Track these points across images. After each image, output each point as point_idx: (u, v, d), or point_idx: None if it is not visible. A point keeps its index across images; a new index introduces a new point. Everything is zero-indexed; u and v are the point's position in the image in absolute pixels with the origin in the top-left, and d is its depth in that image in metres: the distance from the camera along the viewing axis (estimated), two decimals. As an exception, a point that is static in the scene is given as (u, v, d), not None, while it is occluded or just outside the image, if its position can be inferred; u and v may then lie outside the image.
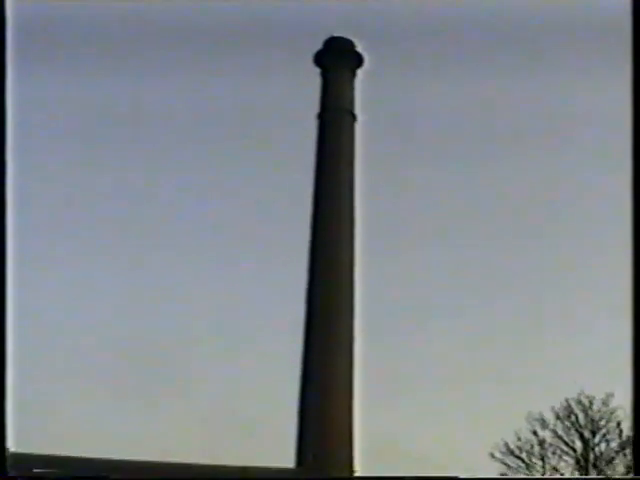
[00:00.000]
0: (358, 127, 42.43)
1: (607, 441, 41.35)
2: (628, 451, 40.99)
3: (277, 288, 60.64)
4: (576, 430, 41.46)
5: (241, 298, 67.21)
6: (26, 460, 43.04)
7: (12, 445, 42.97)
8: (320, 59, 41.53)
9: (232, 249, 68.08)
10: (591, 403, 41.45)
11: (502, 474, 41.78)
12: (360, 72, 41.73)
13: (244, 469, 44.47)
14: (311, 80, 41.18)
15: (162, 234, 68.88)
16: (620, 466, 41.27)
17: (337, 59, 41.04)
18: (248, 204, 63.63)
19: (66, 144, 65.90)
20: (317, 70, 41.87)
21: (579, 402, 41.58)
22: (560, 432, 41.66)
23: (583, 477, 35.94)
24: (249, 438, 51.53)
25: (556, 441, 41.65)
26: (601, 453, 41.29)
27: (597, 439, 41.34)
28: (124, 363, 61.38)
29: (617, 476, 37.82)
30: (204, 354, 66.62)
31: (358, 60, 41.26)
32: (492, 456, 41.76)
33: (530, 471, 41.70)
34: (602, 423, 41.30)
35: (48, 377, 59.44)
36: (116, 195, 64.42)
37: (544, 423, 41.81)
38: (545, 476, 41.02)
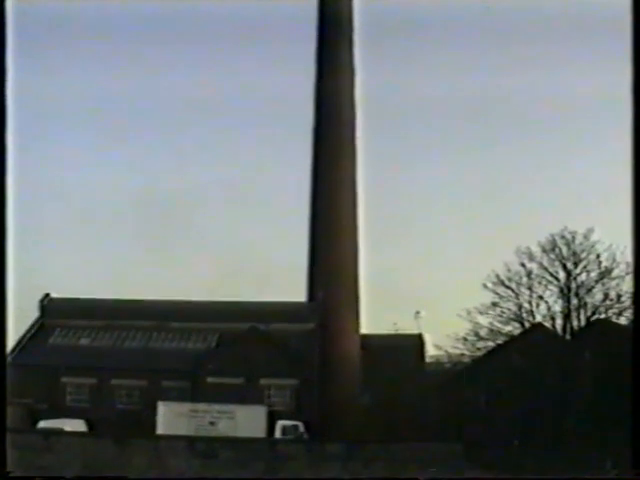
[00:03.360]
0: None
1: (587, 272, 43.71)
2: (606, 280, 43.91)
3: (283, 135, 65.43)
4: (560, 262, 44.00)
5: (250, 153, 71.82)
6: (63, 304, 50.95)
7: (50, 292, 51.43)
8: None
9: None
10: (573, 237, 44.03)
11: (493, 303, 45.34)
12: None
13: (258, 304, 50.53)
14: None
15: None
16: (599, 294, 44.11)
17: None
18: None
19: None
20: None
21: (562, 237, 44.27)
22: (545, 264, 44.36)
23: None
24: (263, 277, 57.27)
25: (542, 272, 44.31)
26: (582, 282, 43.76)
27: (578, 270, 43.76)
28: (140, 213, 67.83)
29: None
30: (217, 203, 72.44)
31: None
32: (485, 286, 44.93)
33: (518, 299, 45.07)
34: (583, 255, 43.69)
35: (71, 229, 66.39)
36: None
37: (531, 256, 44.57)
38: None
